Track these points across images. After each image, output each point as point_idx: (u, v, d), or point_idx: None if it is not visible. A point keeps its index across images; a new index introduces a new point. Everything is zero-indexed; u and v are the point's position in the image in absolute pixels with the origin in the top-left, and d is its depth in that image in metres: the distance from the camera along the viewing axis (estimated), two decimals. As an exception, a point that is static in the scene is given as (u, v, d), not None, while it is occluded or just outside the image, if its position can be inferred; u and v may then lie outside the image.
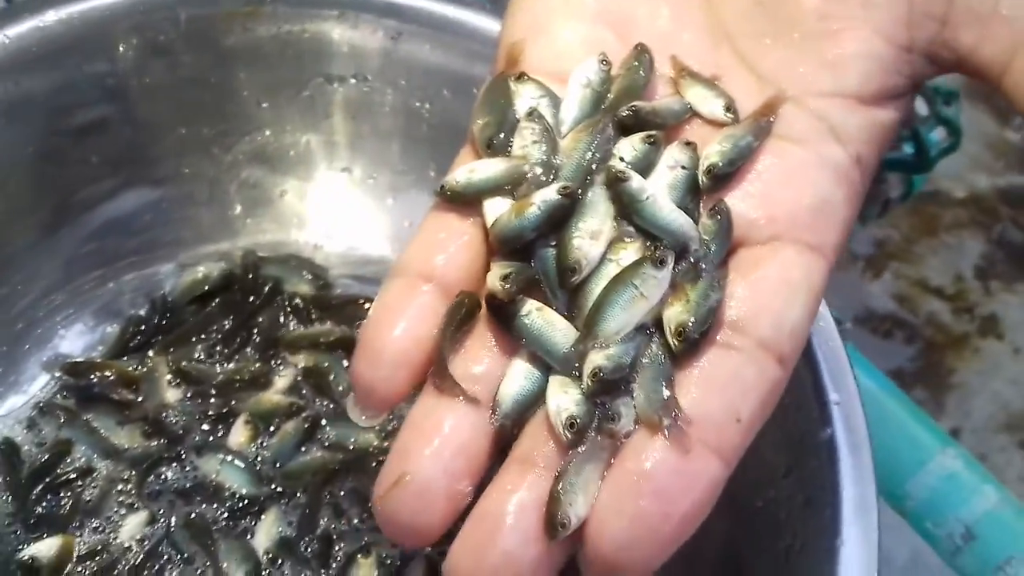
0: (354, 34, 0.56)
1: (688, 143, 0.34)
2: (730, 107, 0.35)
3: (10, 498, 0.54)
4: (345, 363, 0.59)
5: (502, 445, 0.33)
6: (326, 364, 0.59)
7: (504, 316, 0.33)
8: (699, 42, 0.37)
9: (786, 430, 0.46)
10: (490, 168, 0.34)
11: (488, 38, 0.55)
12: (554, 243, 0.33)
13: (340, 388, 0.58)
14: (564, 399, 0.32)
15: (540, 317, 0.33)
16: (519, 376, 0.33)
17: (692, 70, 0.36)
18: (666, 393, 0.31)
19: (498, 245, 0.33)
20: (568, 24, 0.37)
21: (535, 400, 0.32)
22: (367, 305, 0.60)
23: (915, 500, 0.67)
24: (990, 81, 0.34)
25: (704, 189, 0.34)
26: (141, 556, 0.52)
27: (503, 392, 0.32)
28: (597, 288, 0.33)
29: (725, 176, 0.34)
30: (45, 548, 0.52)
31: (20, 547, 0.52)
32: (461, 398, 0.32)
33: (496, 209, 0.34)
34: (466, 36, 0.55)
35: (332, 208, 0.61)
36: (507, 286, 0.32)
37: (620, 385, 0.32)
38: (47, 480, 0.54)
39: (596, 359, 0.32)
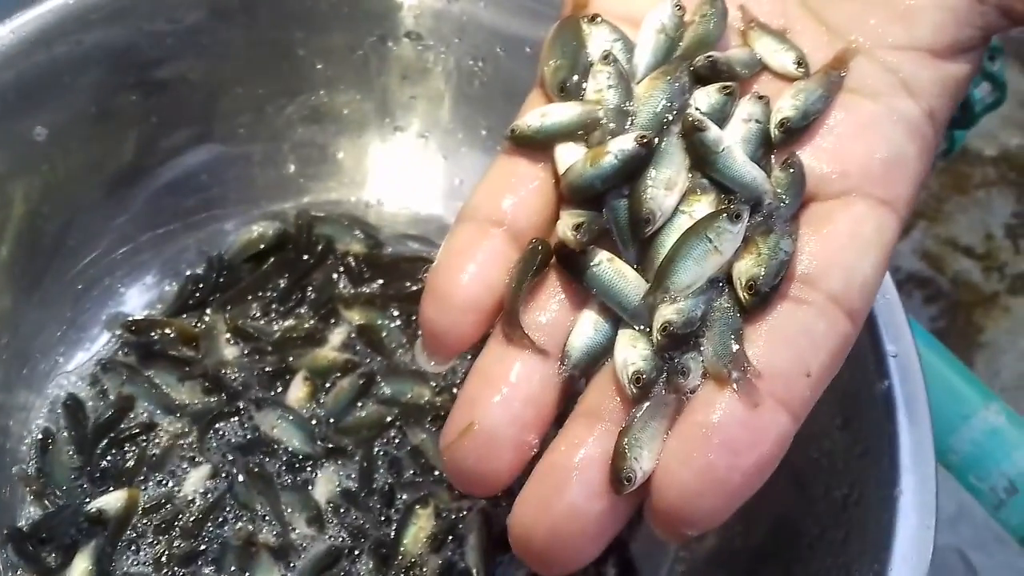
0: (409, -7, 0.56)
1: (761, 97, 0.34)
2: (801, 61, 0.35)
3: (76, 453, 0.55)
4: (397, 321, 0.60)
5: (568, 396, 0.33)
6: (379, 321, 0.60)
7: (575, 266, 0.32)
8: None
9: (843, 383, 0.47)
10: (563, 112, 0.34)
11: (544, -5, 0.55)
12: (627, 193, 0.33)
13: (393, 345, 0.59)
14: (632, 353, 0.32)
15: (611, 268, 0.32)
16: (588, 327, 0.32)
17: (761, 21, 0.36)
18: (735, 347, 0.31)
19: (569, 194, 0.33)
20: None
21: (604, 352, 0.32)
22: (418, 264, 0.61)
23: (959, 454, 0.67)
24: None
25: (776, 143, 0.34)
26: (205, 508, 0.54)
27: (572, 343, 0.32)
28: (669, 240, 0.32)
29: (797, 130, 0.34)
30: (112, 501, 0.53)
31: (87, 500, 0.53)
32: (530, 348, 0.32)
33: (568, 155, 0.33)
34: (521, -6, 0.55)
35: (384, 167, 0.61)
36: (579, 236, 0.32)
37: (689, 339, 0.31)
38: (111, 435, 0.56)
39: (666, 313, 0.31)
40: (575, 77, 0.34)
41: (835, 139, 0.34)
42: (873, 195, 0.33)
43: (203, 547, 0.53)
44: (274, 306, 0.60)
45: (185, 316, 0.59)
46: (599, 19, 0.35)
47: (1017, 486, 0.66)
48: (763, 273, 0.31)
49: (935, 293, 1.56)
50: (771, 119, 0.34)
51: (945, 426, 0.68)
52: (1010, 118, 1.66)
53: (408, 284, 0.61)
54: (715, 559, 0.52)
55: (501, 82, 0.58)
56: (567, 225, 0.32)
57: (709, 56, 0.34)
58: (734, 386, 0.30)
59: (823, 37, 0.35)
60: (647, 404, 0.31)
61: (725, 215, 0.32)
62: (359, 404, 0.57)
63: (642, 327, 0.32)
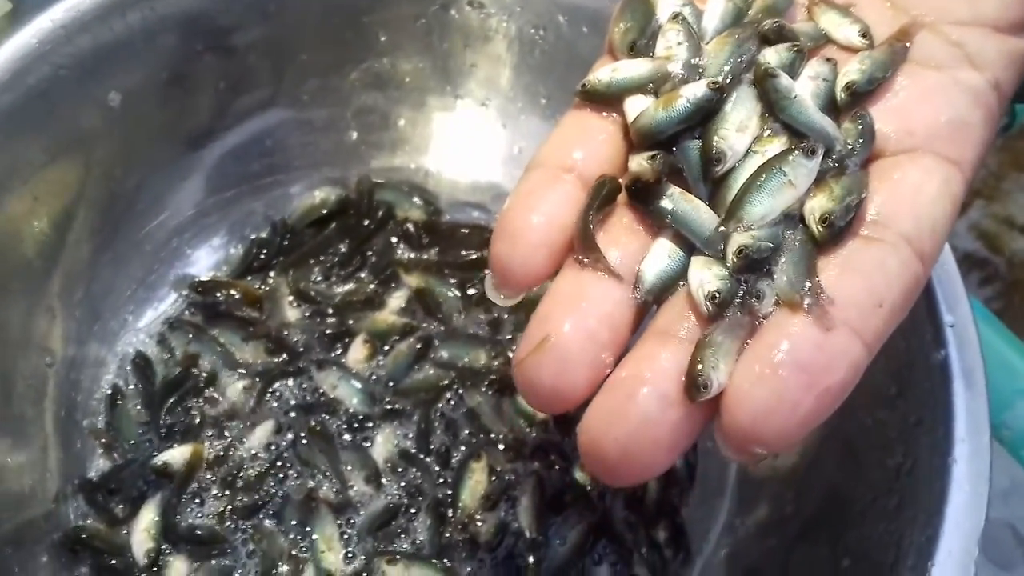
0: (472, -41, 0.56)
1: (829, 59, 0.35)
2: (865, 33, 0.35)
3: (144, 408, 0.57)
4: (454, 287, 0.61)
5: (641, 322, 0.33)
6: (437, 287, 0.61)
7: (648, 198, 0.33)
8: None
9: (899, 351, 0.47)
10: (633, 67, 0.34)
11: (604, -33, 0.56)
12: (698, 136, 0.33)
13: (450, 310, 0.60)
14: (707, 274, 0.32)
15: (684, 199, 0.33)
16: (662, 254, 0.33)
17: None
18: (809, 275, 0.31)
19: (640, 138, 0.33)
20: None
21: (677, 278, 0.33)
22: (476, 232, 0.62)
23: (1013, 430, 0.67)
24: None
25: (842, 106, 0.34)
26: (267, 463, 0.55)
27: (645, 268, 0.33)
28: (740, 180, 0.33)
29: (863, 95, 0.34)
30: (178, 455, 0.55)
31: (154, 454, 0.55)
32: (604, 271, 0.32)
33: (638, 106, 0.34)
34: (583, -37, 0.56)
35: (445, 135, 0.62)
36: (655, 165, 0.32)
37: (763, 266, 0.32)
38: (178, 391, 0.57)
39: (741, 239, 0.32)
40: (644, 40, 0.35)
41: (900, 102, 0.34)
42: (939, 152, 0.33)
43: (265, 501, 0.54)
44: (335, 270, 0.61)
45: (249, 278, 0.61)
46: None
47: (1071, 462, 0.65)
48: (837, 208, 0.32)
49: (991, 272, 1.54)
50: (837, 83, 0.34)
51: (1000, 401, 0.68)
52: (1073, 95, 1.63)
53: (465, 252, 0.62)
54: (766, 526, 0.53)
55: (562, 51, 0.58)
56: (642, 157, 0.33)
57: (776, 21, 0.35)
58: (807, 312, 0.30)
59: (888, 12, 0.36)
60: (723, 322, 0.31)
61: (800, 150, 0.32)
62: (417, 367, 0.59)
63: (716, 255, 0.32)
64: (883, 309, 0.31)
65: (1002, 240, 1.59)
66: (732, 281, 0.32)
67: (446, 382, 0.58)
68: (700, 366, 0.30)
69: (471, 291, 0.61)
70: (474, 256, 0.62)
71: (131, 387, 0.58)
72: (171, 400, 0.57)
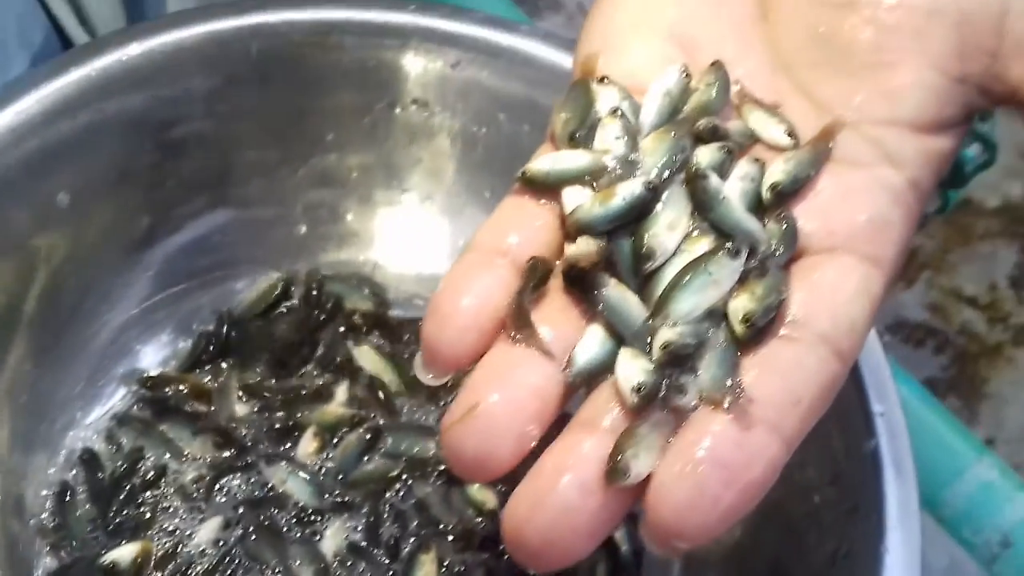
0: (415, 62, 0.58)
1: (757, 159, 0.36)
2: (791, 133, 0.37)
3: (92, 505, 0.57)
4: (402, 378, 0.62)
5: (567, 404, 0.34)
6: (386, 376, 0.62)
7: (584, 285, 0.34)
8: (760, 70, 0.38)
9: (831, 440, 0.49)
10: (572, 159, 0.35)
11: (543, 65, 0.57)
12: (631, 233, 0.34)
13: (398, 400, 0.61)
14: (633, 367, 0.33)
15: (617, 291, 0.34)
16: (595, 340, 0.34)
17: (754, 96, 0.38)
18: (730, 373, 0.32)
19: (576, 231, 0.34)
20: (639, 42, 0.38)
21: (606, 367, 0.33)
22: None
23: (952, 508, 0.69)
24: None
25: (767, 205, 0.36)
26: (215, 559, 0.55)
27: (578, 351, 0.33)
28: (669, 276, 0.34)
29: (787, 195, 0.35)
30: (126, 553, 0.55)
31: (102, 552, 0.55)
32: (536, 347, 0.33)
33: (575, 198, 0.35)
34: (521, 63, 0.58)
35: (391, 228, 0.63)
36: (594, 253, 0.33)
37: (686, 361, 0.33)
38: (126, 488, 0.57)
39: (666, 334, 0.33)
40: (584, 130, 0.36)
41: (822, 202, 0.35)
42: (859, 251, 0.35)
43: (214, 598, 0.54)
44: (282, 362, 0.62)
45: (197, 372, 0.61)
46: (607, 80, 0.37)
47: (1010, 539, 0.67)
48: (758, 308, 0.33)
49: (940, 343, 1.57)
50: (763, 183, 0.36)
51: (938, 480, 0.69)
52: (1012, 169, 1.68)
53: (414, 346, 0.63)
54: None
55: (503, 147, 0.60)
56: (582, 243, 0.34)
57: (711, 121, 0.36)
58: (728, 410, 0.31)
59: (812, 112, 0.37)
60: (647, 416, 0.32)
61: (725, 251, 0.34)
62: (366, 458, 0.59)
63: (643, 348, 0.33)
64: (800, 407, 0.32)
65: (950, 312, 1.62)
66: (657, 375, 0.33)
67: (395, 473, 0.59)
68: (620, 455, 0.31)
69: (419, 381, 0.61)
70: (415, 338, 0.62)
71: (79, 484, 0.58)
72: (120, 496, 0.57)
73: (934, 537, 0.67)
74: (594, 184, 0.35)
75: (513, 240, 0.34)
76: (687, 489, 0.30)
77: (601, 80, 0.37)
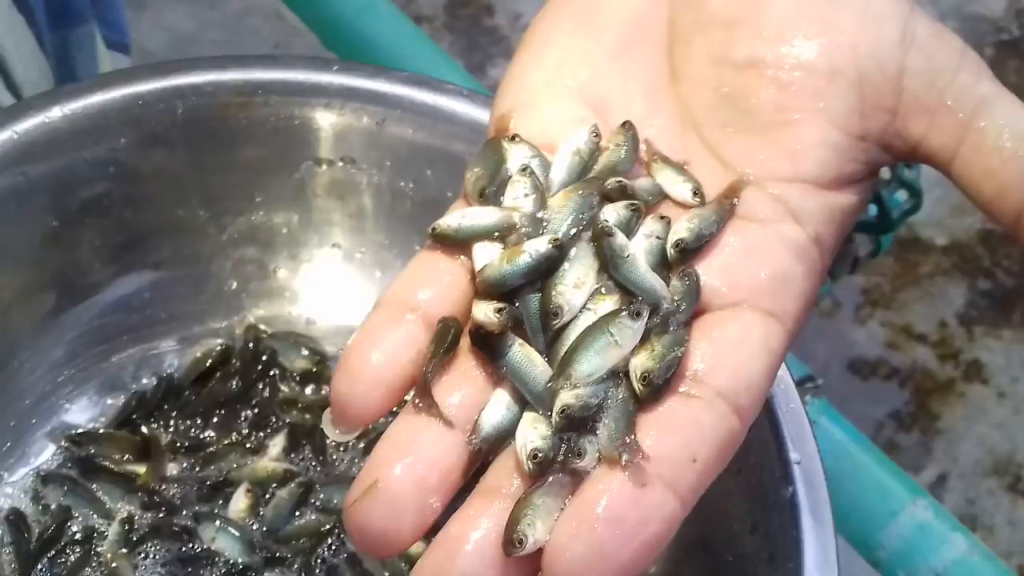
0: (341, 120, 0.59)
1: (663, 217, 0.37)
2: (697, 191, 0.37)
3: (18, 566, 0.56)
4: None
5: (473, 471, 0.34)
6: (318, 428, 0.62)
7: (489, 348, 0.34)
8: (669, 128, 0.39)
9: (752, 488, 0.49)
10: (482, 215, 0.36)
11: (465, 121, 0.58)
12: (539, 289, 0.35)
13: (330, 452, 0.61)
14: (532, 433, 0.33)
15: (522, 352, 0.34)
16: (500, 406, 0.34)
17: (663, 154, 0.39)
18: (627, 432, 0.33)
19: (485, 288, 0.35)
20: (552, 102, 0.39)
21: (511, 431, 0.34)
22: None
23: (887, 550, 0.69)
24: (940, 167, 0.36)
25: (672, 261, 0.36)
26: (144, 620, 0.55)
27: (484, 418, 0.34)
28: (575, 334, 0.34)
29: (691, 251, 0.36)
30: (51, 615, 0.55)
31: (28, 616, 0.55)
32: (438, 418, 0.33)
33: (485, 253, 0.35)
34: (445, 120, 0.58)
35: (322, 283, 0.64)
36: (500, 318, 0.34)
37: (587, 424, 0.33)
38: (54, 547, 0.57)
39: (566, 398, 0.33)
40: (494, 187, 0.37)
41: (725, 258, 0.36)
42: (761, 307, 0.35)
43: (141, 660, 0.54)
44: (214, 421, 0.62)
45: (127, 430, 0.61)
46: (518, 139, 0.38)
47: (945, 581, 0.67)
48: (657, 367, 0.33)
49: (892, 380, 1.58)
50: (668, 240, 0.36)
51: (874, 522, 0.70)
52: (960, 207, 1.71)
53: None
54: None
55: (431, 200, 0.60)
56: (489, 308, 0.34)
57: (619, 180, 0.37)
58: (625, 468, 0.32)
59: (718, 170, 0.38)
60: (544, 482, 0.32)
61: (626, 312, 0.34)
62: (298, 513, 0.59)
63: (545, 411, 0.34)
64: (697, 464, 0.33)
65: (901, 348, 1.64)
66: (555, 440, 0.33)
67: (328, 527, 0.59)
68: (517, 525, 0.31)
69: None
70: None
71: (5, 545, 0.57)
72: (46, 557, 0.57)
73: (869, 581, 0.68)
74: (504, 240, 0.36)
75: (424, 296, 0.35)
76: (583, 548, 0.31)
77: (512, 138, 0.38)
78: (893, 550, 0.69)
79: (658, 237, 0.37)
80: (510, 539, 0.31)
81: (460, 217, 0.36)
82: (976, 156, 0.35)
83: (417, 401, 0.33)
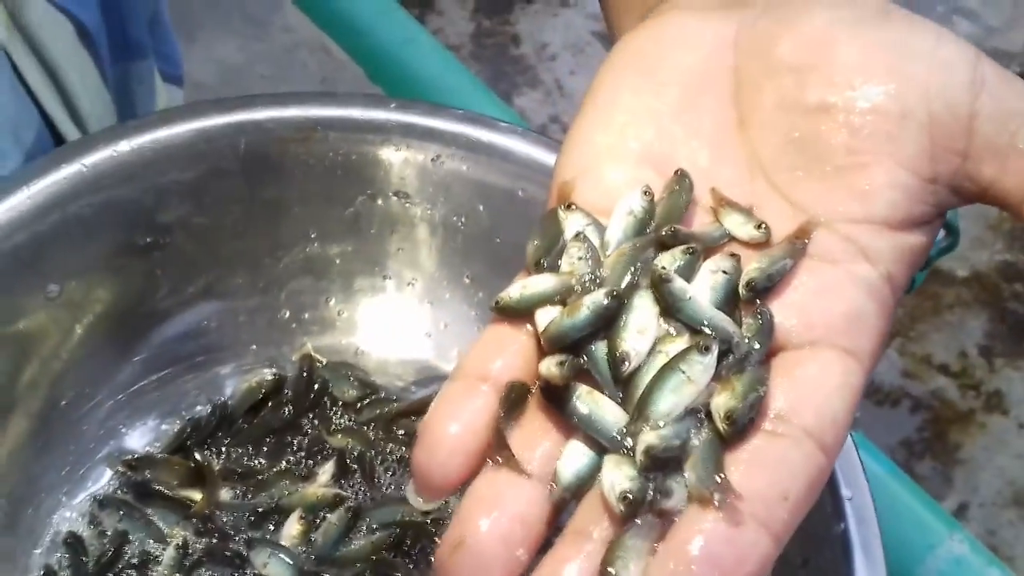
0: (397, 156, 0.60)
1: (733, 254, 0.38)
2: (762, 225, 0.38)
3: (76, 590, 0.58)
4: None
5: (557, 519, 0.34)
6: (368, 453, 0.63)
7: (558, 399, 0.35)
8: (737, 176, 0.39)
9: (804, 523, 0.50)
10: (540, 283, 0.37)
11: (519, 158, 0.60)
12: (603, 339, 0.36)
13: (378, 477, 0.62)
14: (618, 475, 0.33)
15: (591, 399, 0.35)
16: (577, 454, 0.35)
17: (730, 199, 0.39)
18: (716, 471, 0.33)
19: (549, 344, 0.36)
20: (614, 165, 0.39)
21: (592, 477, 0.34)
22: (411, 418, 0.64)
23: (925, 584, 0.70)
24: (1012, 211, 0.37)
25: (744, 301, 0.37)
26: (200, 644, 0.56)
27: (562, 467, 0.34)
28: (647, 378, 0.35)
29: (764, 290, 0.37)
30: (110, 638, 0.56)
31: (86, 638, 0.56)
32: (518, 472, 0.34)
33: (547, 317, 0.36)
34: (499, 157, 0.60)
35: (373, 313, 0.65)
36: (563, 370, 0.35)
37: (671, 463, 0.34)
38: (110, 572, 0.58)
39: (648, 437, 0.34)
40: (551, 256, 0.38)
41: (799, 297, 0.37)
42: (838, 345, 0.36)
43: None
44: (265, 449, 0.63)
45: (180, 456, 0.62)
46: (574, 207, 0.39)
47: (982, 614, 0.68)
48: (739, 405, 0.34)
49: (913, 409, 1.59)
50: (740, 281, 0.37)
51: (911, 556, 0.70)
52: (980, 240, 1.72)
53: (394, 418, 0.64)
54: None
55: (482, 234, 0.62)
56: (551, 362, 0.35)
57: (672, 227, 0.38)
58: (717, 507, 0.32)
59: (788, 212, 0.38)
60: (634, 525, 0.33)
61: (695, 349, 0.35)
62: (348, 537, 0.60)
63: (626, 452, 0.34)
64: (788, 502, 0.33)
65: (922, 379, 1.64)
66: (642, 480, 0.33)
67: (380, 550, 0.59)
68: (611, 566, 0.32)
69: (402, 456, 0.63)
70: (394, 413, 0.64)
71: (63, 568, 0.58)
72: (104, 580, 0.58)
73: (906, 614, 0.68)
74: (564, 303, 0.37)
75: (495, 366, 0.36)
76: None
77: (568, 207, 0.39)
78: (930, 584, 0.70)
79: (724, 271, 0.37)
80: None
81: (521, 288, 0.37)
82: None
83: (495, 456, 0.34)
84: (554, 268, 0.38)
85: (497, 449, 0.34)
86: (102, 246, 0.57)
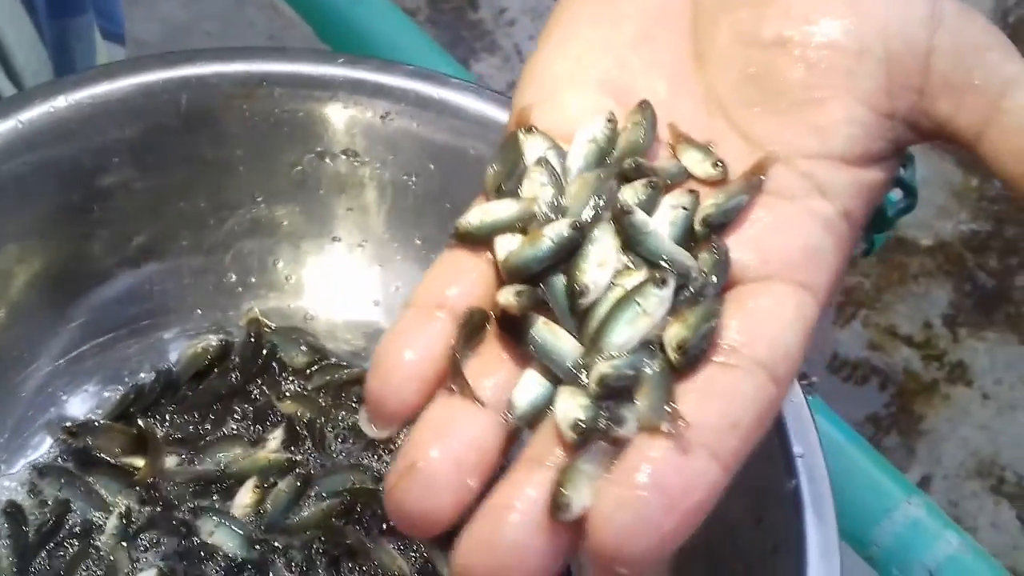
0: (345, 114, 0.59)
1: (691, 190, 0.37)
2: (719, 163, 0.38)
3: (15, 560, 0.56)
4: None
5: (511, 448, 0.34)
6: (318, 420, 0.62)
7: (515, 329, 0.35)
8: (694, 111, 0.39)
9: (755, 481, 0.49)
10: (501, 209, 0.37)
11: (470, 115, 0.59)
12: (563, 272, 0.35)
13: (328, 444, 0.61)
14: (571, 404, 0.33)
15: (548, 331, 0.35)
16: (532, 384, 0.34)
17: (688, 136, 0.39)
18: (667, 400, 0.33)
19: (509, 275, 0.35)
20: (573, 92, 0.39)
21: (546, 407, 0.34)
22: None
23: (881, 547, 0.70)
24: (967, 147, 0.37)
25: (700, 237, 0.36)
26: (144, 614, 0.55)
27: (517, 396, 0.34)
28: (604, 310, 0.35)
29: (719, 226, 0.36)
30: (49, 607, 0.54)
31: (26, 607, 0.54)
32: (472, 399, 0.33)
33: (507, 245, 0.36)
34: (450, 114, 0.59)
35: (322, 276, 0.64)
36: (520, 300, 0.34)
37: (623, 393, 0.33)
38: (52, 540, 0.57)
39: (602, 368, 0.33)
40: (511, 181, 0.37)
41: (755, 232, 0.36)
42: (794, 279, 0.35)
43: (141, 654, 0.54)
44: (211, 416, 0.62)
45: (123, 423, 0.61)
46: (534, 130, 0.38)
47: (938, 576, 0.68)
48: (691, 336, 0.34)
49: (877, 382, 1.60)
50: (696, 216, 0.37)
51: (867, 519, 0.70)
52: (945, 209, 1.73)
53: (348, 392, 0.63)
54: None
55: (433, 194, 0.60)
56: (509, 292, 0.35)
57: (636, 160, 0.37)
58: (666, 436, 0.32)
59: (745, 149, 0.38)
60: (587, 450, 0.32)
61: (651, 282, 0.34)
62: (299, 505, 0.59)
63: (580, 383, 0.34)
64: (738, 430, 0.33)
65: (886, 350, 1.65)
66: (595, 409, 0.33)
67: (329, 517, 0.58)
68: (563, 489, 0.31)
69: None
70: (344, 380, 0.63)
71: (3, 537, 0.57)
72: (45, 550, 0.56)
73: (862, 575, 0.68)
74: (525, 231, 0.36)
75: (452, 292, 0.35)
76: (628, 515, 0.31)
77: (528, 130, 0.38)
78: (887, 547, 0.70)
79: (684, 208, 0.37)
80: (556, 503, 0.31)
81: (480, 213, 0.36)
82: (1003, 136, 0.35)
83: (450, 385, 0.34)
84: (514, 193, 0.37)
85: (452, 377, 0.34)
86: (39, 206, 0.55)
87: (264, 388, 0.63)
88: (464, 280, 0.36)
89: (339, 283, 0.64)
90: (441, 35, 1.81)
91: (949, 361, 1.62)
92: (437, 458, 0.32)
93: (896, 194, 0.78)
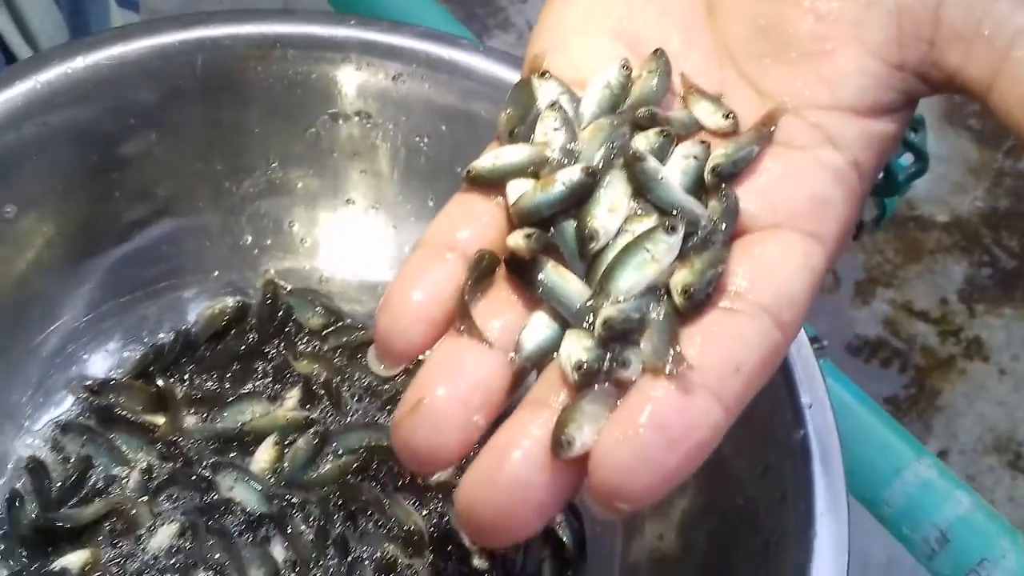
0: (358, 75, 0.60)
1: (703, 141, 0.37)
2: (731, 115, 0.38)
3: (40, 513, 0.57)
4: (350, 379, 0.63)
5: (517, 390, 0.35)
6: (334, 379, 0.63)
7: (524, 272, 0.35)
8: (706, 62, 0.40)
9: (763, 432, 0.50)
10: (514, 153, 0.37)
11: (481, 76, 0.59)
12: (573, 216, 0.36)
13: (344, 402, 0.62)
14: (576, 346, 0.34)
15: (556, 274, 0.35)
16: (540, 325, 0.35)
17: (699, 87, 0.39)
18: (671, 343, 0.33)
19: (519, 218, 0.36)
20: (586, 40, 0.40)
21: (553, 349, 0.35)
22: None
23: (892, 507, 0.70)
24: (978, 98, 0.36)
25: (710, 186, 0.37)
26: (166, 566, 0.56)
27: (524, 337, 0.35)
28: (613, 256, 0.35)
29: (729, 176, 0.37)
30: (75, 560, 0.55)
31: (51, 559, 0.55)
32: (479, 340, 0.34)
33: (520, 189, 0.36)
34: (461, 75, 0.59)
35: (336, 237, 0.65)
36: (530, 243, 0.35)
37: (628, 336, 0.34)
38: (75, 496, 0.58)
39: (608, 311, 0.34)
40: (524, 125, 0.38)
41: (764, 182, 0.37)
42: (801, 228, 0.36)
43: (164, 604, 0.55)
44: (229, 375, 0.63)
45: (145, 381, 0.62)
46: (548, 75, 0.39)
47: (948, 536, 0.68)
48: (697, 281, 0.34)
49: (894, 358, 1.59)
50: (706, 167, 0.37)
51: (878, 479, 0.71)
52: (961, 185, 1.72)
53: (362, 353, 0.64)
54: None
55: (445, 156, 0.61)
56: (518, 235, 0.35)
57: (650, 109, 0.38)
58: (669, 377, 0.32)
59: (755, 100, 0.38)
60: (590, 391, 0.33)
61: (661, 228, 0.35)
62: (315, 462, 0.60)
63: (586, 327, 0.35)
64: (741, 373, 0.33)
65: (902, 326, 1.64)
66: (599, 352, 0.34)
67: (346, 474, 0.59)
68: (565, 427, 0.32)
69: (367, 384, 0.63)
70: (359, 341, 0.64)
71: (28, 493, 0.58)
72: (68, 504, 0.57)
73: (873, 534, 0.69)
74: (537, 175, 0.36)
75: (462, 235, 0.36)
76: (629, 453, 0.31)
77: (542, 75, 0.39)
78: (898, 507, 0.70)
79: (695, 158, 0.37)
80: (558, 441, 0.32)
81: (493, 157, 0.37)
82: (1012, 87, 0.35)
83: (458, 325, 0.34)
84: (527, 138, 0.38)
85: (460, 318, 0.34)
86: (59, 167, 0.56)
87: (280, 349, 0.64)
88: (475, 223, 0.36)
89: (353, 245, 0.65)
90: (455, 11, 1.80)
91: (966, 337, 1.62)
92: (443, 396, 0.33)
93: (907, 159, 0.79)
